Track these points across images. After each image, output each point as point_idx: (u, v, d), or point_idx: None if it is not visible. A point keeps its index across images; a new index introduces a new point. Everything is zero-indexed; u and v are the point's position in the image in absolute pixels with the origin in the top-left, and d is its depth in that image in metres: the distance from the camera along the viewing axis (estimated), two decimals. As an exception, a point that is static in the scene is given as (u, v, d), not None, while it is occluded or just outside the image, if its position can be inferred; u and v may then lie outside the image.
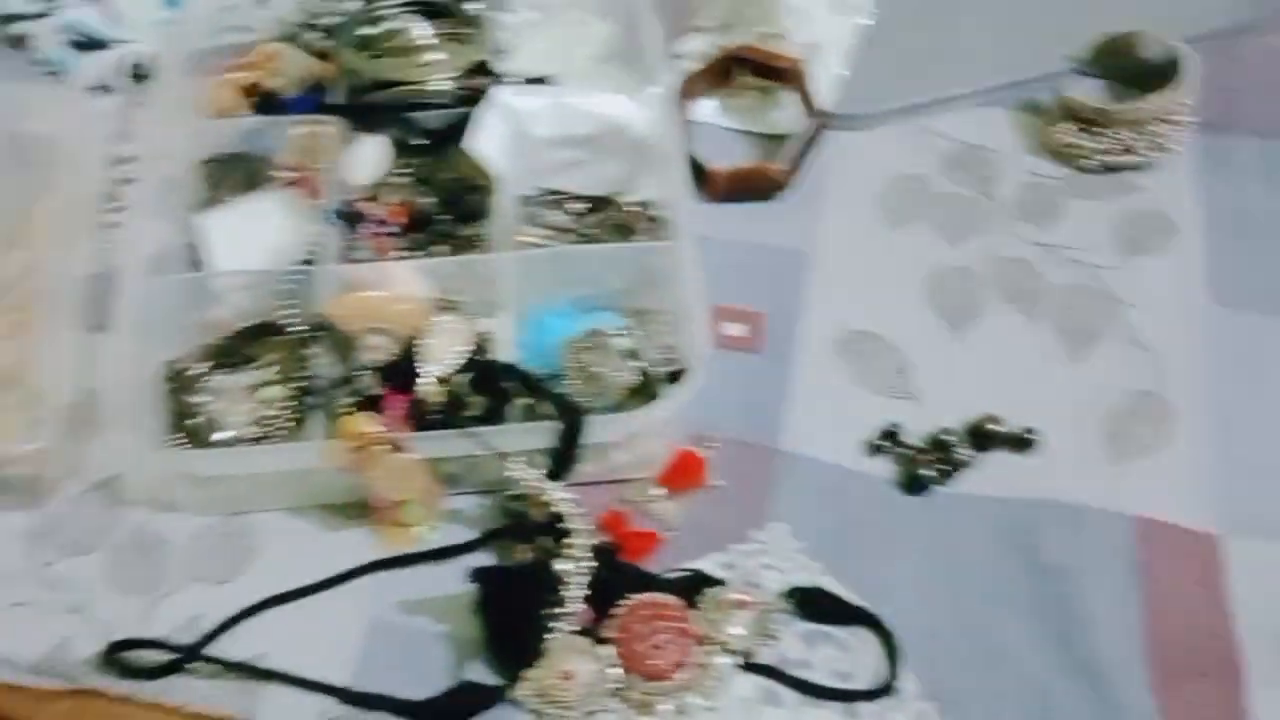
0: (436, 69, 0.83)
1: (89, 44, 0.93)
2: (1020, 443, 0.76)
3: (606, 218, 0.83)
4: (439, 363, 0.69)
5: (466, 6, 0.88)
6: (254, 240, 0.83)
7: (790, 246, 0.86)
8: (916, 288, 0.84)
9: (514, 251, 0.78)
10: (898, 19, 0.96)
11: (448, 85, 0.84)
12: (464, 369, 0.69)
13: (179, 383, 0.75)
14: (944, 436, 0.76)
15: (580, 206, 0.85)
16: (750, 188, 0.89)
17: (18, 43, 0.93)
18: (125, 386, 0.71)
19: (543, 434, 0.67)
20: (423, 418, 0.69)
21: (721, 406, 0.77)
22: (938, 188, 0.89)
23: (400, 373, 0.70)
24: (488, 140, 0.80)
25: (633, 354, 0.70)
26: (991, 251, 0.86)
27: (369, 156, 0.83)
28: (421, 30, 0.85)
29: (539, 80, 0.86)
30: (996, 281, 0.84)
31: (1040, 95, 0.93)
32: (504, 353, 0.74)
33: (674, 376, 0.71)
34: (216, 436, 0.73)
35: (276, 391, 0.75)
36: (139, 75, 0.94)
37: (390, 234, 0.82)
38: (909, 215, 0.88)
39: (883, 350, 0.81)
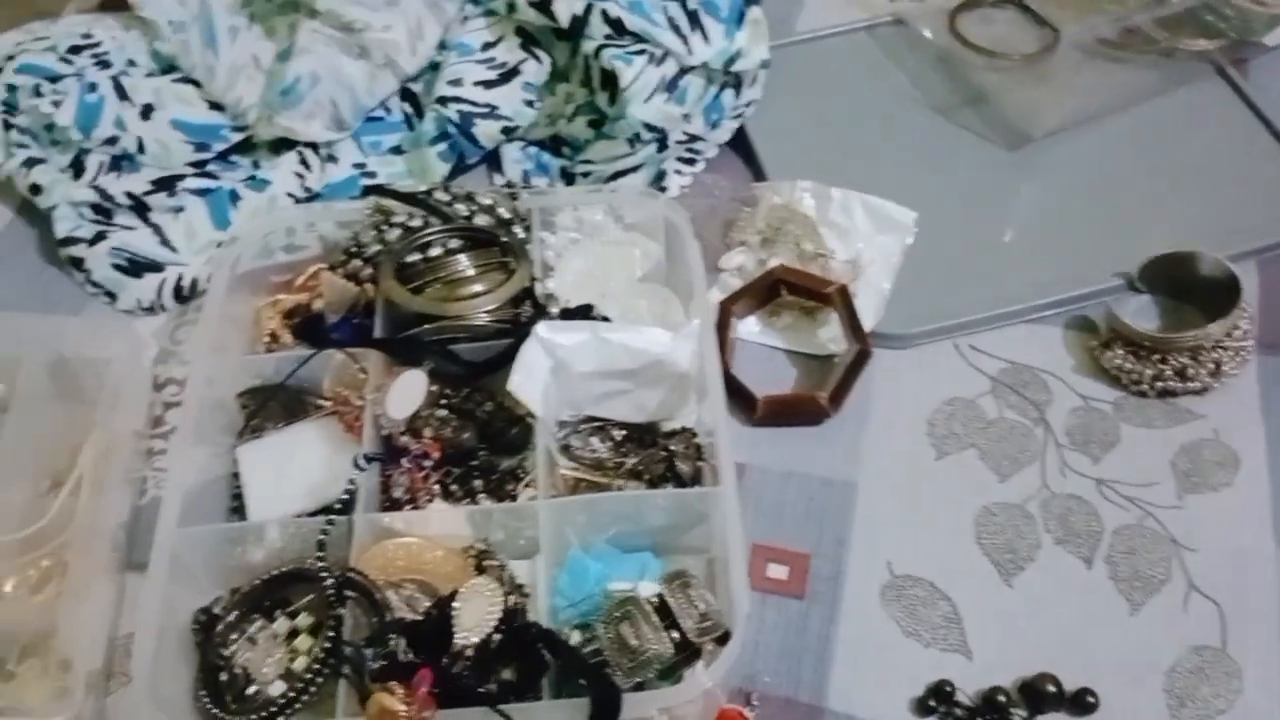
0: (478, 302, 0.83)
1: (139, 266, 0.94)
2: (1078, 704, 0.72)
3: (648, 455, 0.81)
4: (473, 630, 0.67)
5: (508, 234, 0.89)
6: (292, 473, 0.82)
7: (835, 477, 0.84)
8: (966, 527, 0.81)
9: (552, 498, 0.77)
10: (942, 234, 0.95)
11: (490, 318, 0.84)
12: (497, 631, 0.68)
13: (210, 632, 0.74)
14: (997, 696, 0.73)
15: (619, 434, 0.84)
16: (794, 413, 0.87)
17: (76, 264, 0.95)
18: (154, 641, 0.70)
19: (577, 711, 0.65)
20: (453, 685, 0.67)
21: (764, 655, 0.75)
22: (986, 412, 0.87)
23: (432, 636, 0.68)
24: (528, 375, 0.80)
25: (670, 621, 0.67)
26: (1043, 487, 0.83)
27: (409, 389, 0.83)
28: (464, 263, 0.85)
29: (580, 310, 0.85)
30: (1049, 522, 0.81)
31: (1091, 313, 0.92)
32: (540, 600, 0.73)
33: (717, 639, 0.69)
34: (249, 691, 0.71)
35: (308, 642, 0.73)
36: (186, 296, 0.96)
37: (428, 467, 0.81)
38: (957, 443, 0.86)
39: (931, 597, 0.78)
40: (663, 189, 1.00)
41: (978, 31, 1.11)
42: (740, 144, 1.04)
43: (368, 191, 0.91)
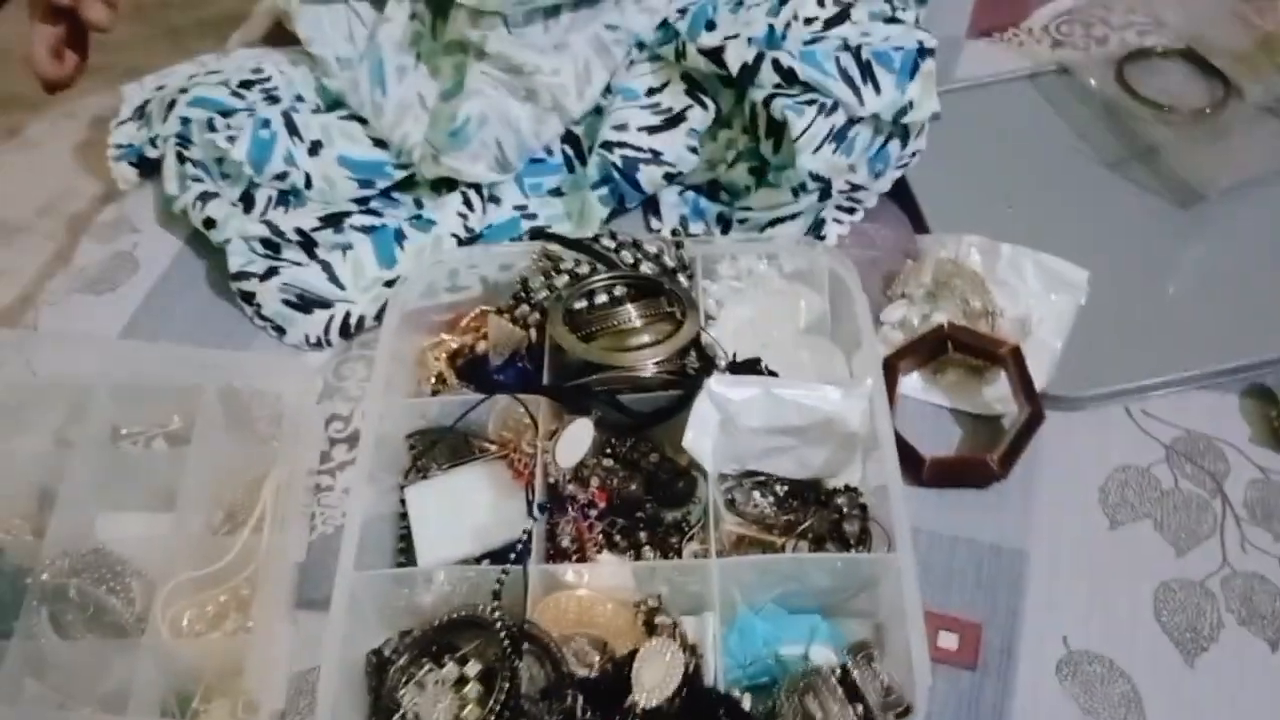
0: (647, 353, 0.83)
1: (309, 302, 0.96)
2: (1267, 797, 0.70)
3: (815, 514, 0.80)
4: (653, 691, 0.67)
5: (673, 282, 0.89)
6: (458, 515, 0.83)
7: (1005, 544, 0.82)
8: (1144, 602, 0.79)
9: (719, 554, 0.77)
10: (1112, 294, 0.93)
11: (657, 369, 0.84)
12: (678, 695, 0.67)
13: (382, 674, 0.74)
14: (1182, 784, 0.71)
15: (782, 490, 0.83)
16: (962, 475, 0.86)
17: (248, 298, 0.97)
18: (337, 683, 0.71)
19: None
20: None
21: (936, 730, 0.74)
22: (1161, 482, 0.85)
23: (610, 694, 0.68)
24: (701, 429, 0.79)
25: (854, 694, 0.66)
26: (1224, 563, 0.80)
27: (576, 437, 0.83)
28: (631, 313, 0.85)
29: (748, 364, 0.85)
30: (1231, 600, 0.78)
31: (1270, 381, 0.89)
32: (710, 660, 0.72)
33: (899, 714, 0.67)
34: (418, 739, 0.72)
35: (477, 689, 0.73)
36: (352, 333, 0.97)
37: (594, 518, 0.81)
38: (1131, 513, 0.83)
39: (1110, 675, 0.76)
40: (821, 237, 0.99)
41: (1146, 83, 1.09)
42: (900, 193, 1.03)
43: (535, 235, 0.92)
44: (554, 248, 0.91)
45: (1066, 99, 1.10)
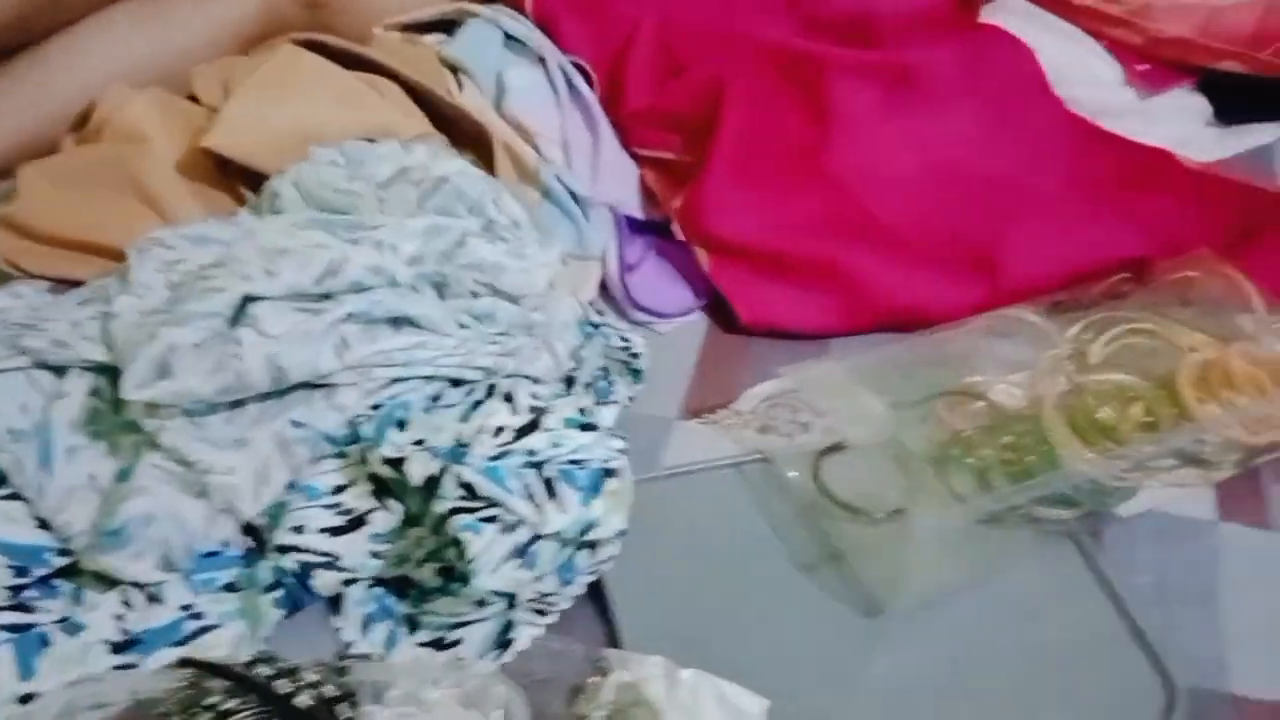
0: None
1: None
2: None
3: None
4: None
5: (329, 715, 0.83)
6: None
7: None
8: None
9: None
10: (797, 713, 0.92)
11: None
12: None
13: None
14: None
15: None
16: None
17: None
18: None
19: None
20: None
21: None
22: None
23: None
24: None
25: None
26: None
27: None
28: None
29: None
30: None
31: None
32: None
33: None
34: None
35: None
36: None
37: None
38: None
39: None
40: (509, 641, 0.96)
41: (843, 476, 1.11)
42: (598, 594, 1.01)
43: (182, 663, 0.85)
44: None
45: (768, 491, 1.12)
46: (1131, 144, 1.44)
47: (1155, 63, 1.56)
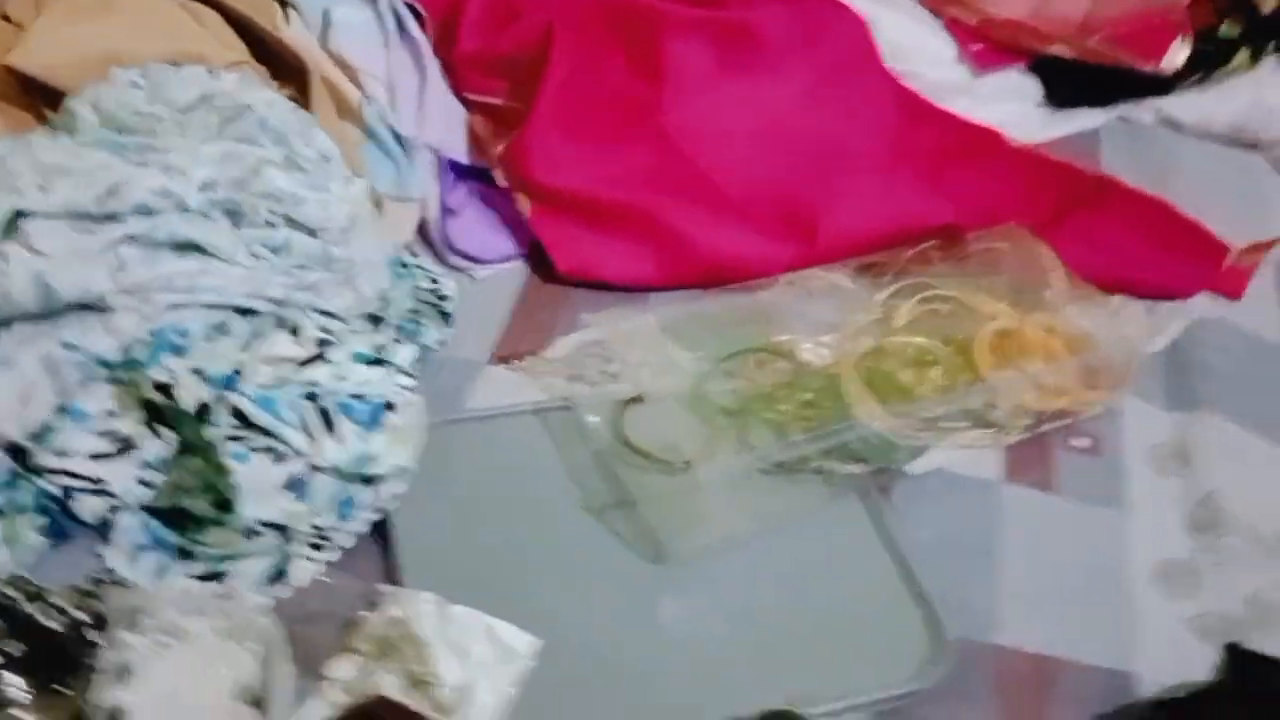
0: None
1: None
2: None
3: None
4: None
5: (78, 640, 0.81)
6: None
7: None
8: None
9: None
10: (579, 657, 0.91)
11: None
12: None
13: None
14: None
15: None
16: None
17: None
18: None
19: None
20: None
21: None
22: None
23: None
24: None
25: None
26: None
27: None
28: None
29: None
30: None
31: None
32: None
33: None
34: None
35: None
36: None
37: None
38: None
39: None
40: (282, 574, 0.94)
41: (646, 427, 1.12)
42: (383, 532, 1.00)
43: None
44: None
45: (568, 437, 1.12)
46: (958, 119, 1.47)
47: (989, 43, 1.59)
